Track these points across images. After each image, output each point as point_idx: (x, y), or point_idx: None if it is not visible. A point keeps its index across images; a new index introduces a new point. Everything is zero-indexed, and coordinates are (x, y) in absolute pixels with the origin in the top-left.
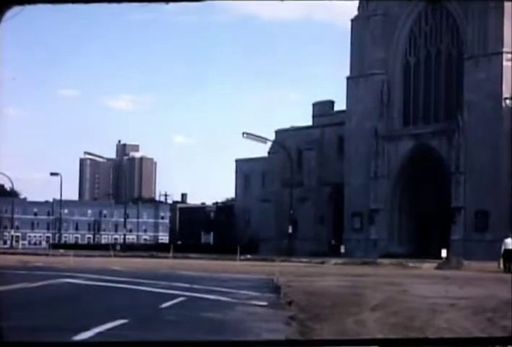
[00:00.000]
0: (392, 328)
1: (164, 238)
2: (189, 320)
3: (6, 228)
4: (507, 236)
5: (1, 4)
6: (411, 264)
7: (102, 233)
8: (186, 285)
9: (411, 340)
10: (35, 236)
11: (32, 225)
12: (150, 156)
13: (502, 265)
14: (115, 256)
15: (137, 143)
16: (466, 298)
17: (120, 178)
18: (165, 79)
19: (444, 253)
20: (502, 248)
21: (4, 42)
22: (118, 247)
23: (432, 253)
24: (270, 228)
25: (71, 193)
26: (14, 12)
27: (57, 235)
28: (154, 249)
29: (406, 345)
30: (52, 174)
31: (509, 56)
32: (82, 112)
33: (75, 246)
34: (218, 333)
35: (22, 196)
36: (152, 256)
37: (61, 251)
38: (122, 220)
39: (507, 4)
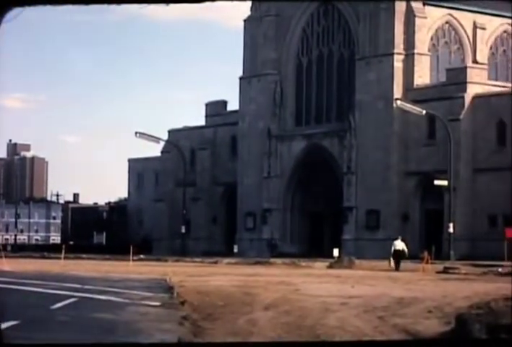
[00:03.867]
0: (284, 327)
1: (56, 238)
2: (80, 321)
3: None
4: (396, 238)
5: (1, 5)
6: (303, 264)
7: None
8: (78, 286)
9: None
10: None
11: None
12: (41, 156)
13: (392, 264)
14: (6, 257)
15: (28, 142)
16: (358, 296)
17: (11, 178)
18: (57, 78)
19: (336, 252)
20: (392, 248)
21: (5, 43)
22: (9, 248)
23: (325, 252)
24: (163, 227)
25: None
26: (15, 13)
27: None
28: (46, 249)
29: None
30: None
31: (400, 57)
32: None
33: None
34: (109, 334)
35: None
36: (43, 257)
37: None
38: (13, 220)
39: (397, 5)
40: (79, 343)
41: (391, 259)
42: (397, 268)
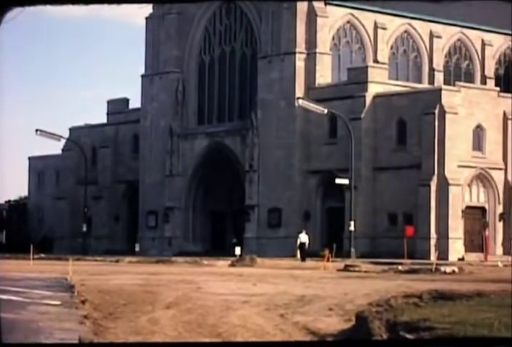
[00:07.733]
0: (186, 326)
1: None
2: None
3: None
4: (301, 231)
5: (1, 5)
6: (205, 262)
7: None
8: None
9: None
10: None
11: None
12: None
13: (299, 256)
14: None
15: None
16: (259, 294)
17: None
18: None
19: (238, 250)
20: (298, 241)
21: (4, 43)
22: None
23: (227, 251)
24: (65, 226)
25: None
26: (15, 13)
27: None
28: None
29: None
30: None
31: (302, 56)
32: None
33: None
34: (9, 333)
35: None
36: None
37: None
38: None
39: (299, 5)
40: (79, 343)
41: (298, 251)
42: (303, 259)
